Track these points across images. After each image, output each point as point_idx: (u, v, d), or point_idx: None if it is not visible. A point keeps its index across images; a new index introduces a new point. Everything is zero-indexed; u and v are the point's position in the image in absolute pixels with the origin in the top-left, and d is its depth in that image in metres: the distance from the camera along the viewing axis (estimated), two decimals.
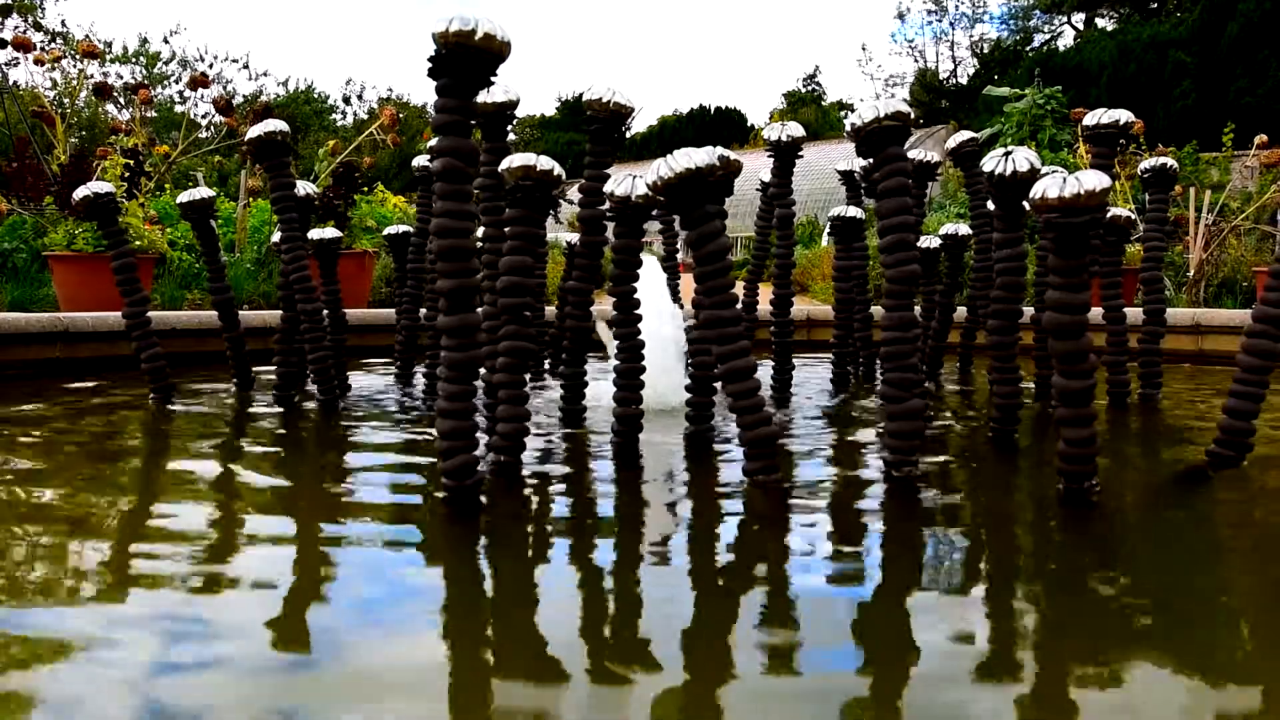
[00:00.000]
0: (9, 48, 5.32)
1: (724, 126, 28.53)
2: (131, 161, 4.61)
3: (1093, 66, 18.30)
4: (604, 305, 2.40)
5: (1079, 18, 26.48)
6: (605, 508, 1.75)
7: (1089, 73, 18.06)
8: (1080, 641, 1.11)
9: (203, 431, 2.43)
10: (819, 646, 1.09)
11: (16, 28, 19.68)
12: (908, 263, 1.74)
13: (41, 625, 1.13)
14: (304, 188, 2.77)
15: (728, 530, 1.59)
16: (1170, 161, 2.79)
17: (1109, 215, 2.72)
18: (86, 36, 19.16)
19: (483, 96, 2.27)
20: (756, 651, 1.07)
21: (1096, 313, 2.43)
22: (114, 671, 1.01)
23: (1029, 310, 2.82)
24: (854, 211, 2.98)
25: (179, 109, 18.88)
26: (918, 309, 3.06)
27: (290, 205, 2.61)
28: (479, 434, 1.65)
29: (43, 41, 17.30)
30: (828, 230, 4.73)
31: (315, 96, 25.97)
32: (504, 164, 1.86)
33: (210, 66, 22.45)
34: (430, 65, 1.55)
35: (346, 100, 27.28)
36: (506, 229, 1.90)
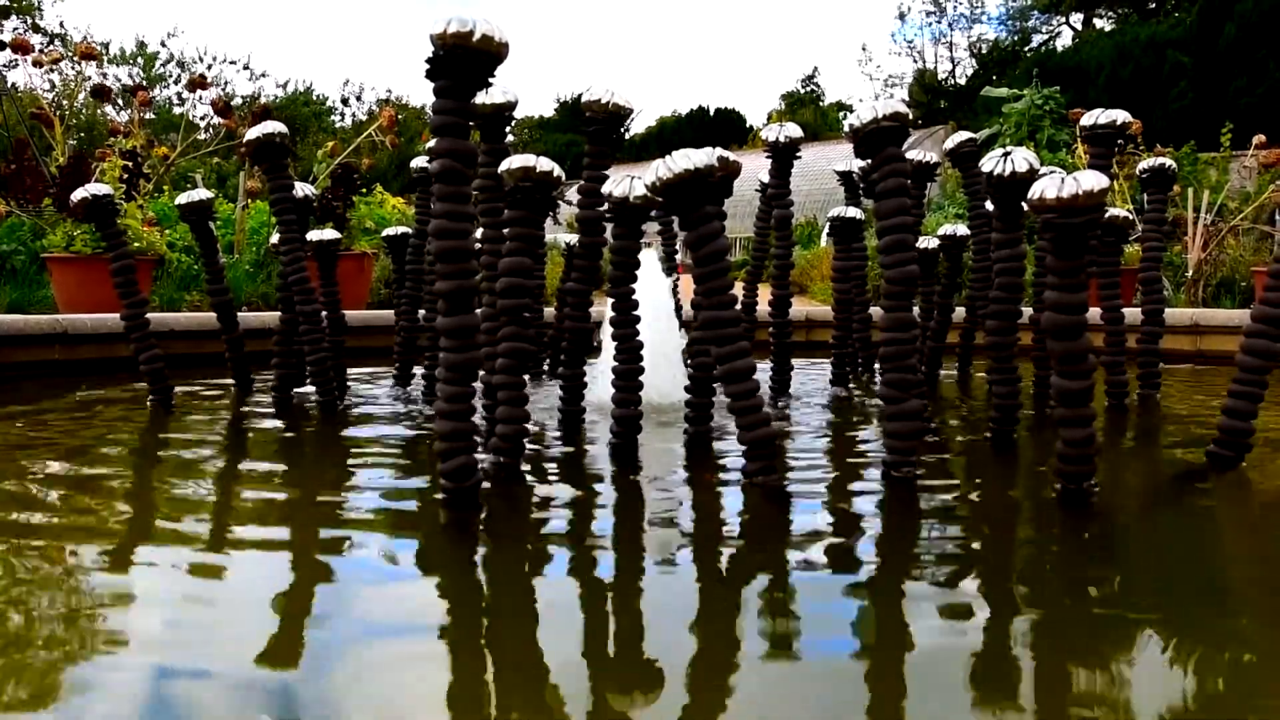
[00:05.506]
0: (8, 49, 5.32)
1: (723, 127, 28.51)
2: (130, 163, 4.60)
3: (1091, 67, 18.30)
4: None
5: (1077, 18, 26.49)
6: (604, 508, 1.75)
7: (1087, 73, 18.05)
8: (1079, 640, 1.11)
9: (201, 434, 2.43)
10: (819, 647, 1.09)
11: (15, 29, 19.69)
12: (906, 263, 1.74)
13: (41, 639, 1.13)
14: (302, 189, 2.77)
15: (726, 531, 1.59)
16: (1169, 162, 2.79)
17: (1107, 215, 2.72)
18: (85, 38, 19.17)
19: (481, 97, 2.27)
20: (757, 651, 1.07)
21: (1095, 313, 2.43)
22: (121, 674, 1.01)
23: (1028, 310, 2.82)
24: (853, 212, 2.98)
25: (177, 110, 18.86)
26: (916, 310, 3.06)
27: (289, 207, 2.61)
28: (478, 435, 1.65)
29: (41, 43, 17.30)
30: (826, 231, 4.72)
31: (314, 98, 25.94)
32: (503, 165, 1.86)
33: (209, 68, 22.41)
34: (428, 66, 1.56)
35: (345, 101, 27.25)
36: (505, 230, 1.90)
